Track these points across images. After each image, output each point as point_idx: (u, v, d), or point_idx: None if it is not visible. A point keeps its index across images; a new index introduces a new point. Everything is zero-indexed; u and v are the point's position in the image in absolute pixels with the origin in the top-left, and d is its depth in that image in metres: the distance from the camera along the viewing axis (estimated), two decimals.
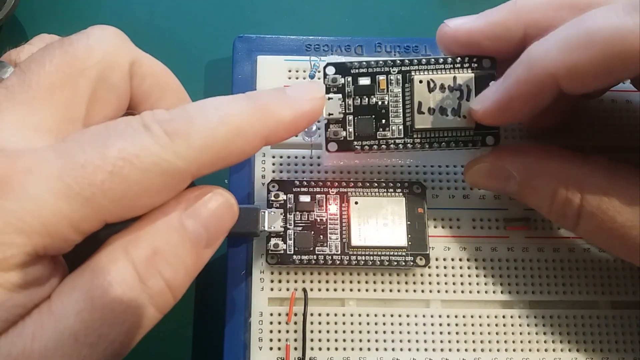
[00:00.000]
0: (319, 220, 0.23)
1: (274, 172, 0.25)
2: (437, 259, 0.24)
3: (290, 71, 0.26)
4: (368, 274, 0.24)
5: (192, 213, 0.17)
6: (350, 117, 0.22)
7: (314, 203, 0.24)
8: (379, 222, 0.23)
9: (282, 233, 0.23)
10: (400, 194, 0.24)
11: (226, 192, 0.19)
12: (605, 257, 0.24)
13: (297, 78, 0.26)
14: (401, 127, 0.22)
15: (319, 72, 0.26)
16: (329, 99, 0.22)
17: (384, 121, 0.22)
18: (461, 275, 0.24)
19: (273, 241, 0.23)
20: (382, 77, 0.22)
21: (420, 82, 0.22)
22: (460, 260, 0.24)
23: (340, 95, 0.22)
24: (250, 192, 0.25)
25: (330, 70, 0.22)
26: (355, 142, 0.22)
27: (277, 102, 0.18)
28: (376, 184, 0.24)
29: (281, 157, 0.25)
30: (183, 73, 0.29)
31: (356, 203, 0.24)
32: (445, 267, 0.24)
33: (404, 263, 0.23)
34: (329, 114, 0.22)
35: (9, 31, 0.29)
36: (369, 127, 0.22)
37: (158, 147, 0.16)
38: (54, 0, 0.31)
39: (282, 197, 0.24)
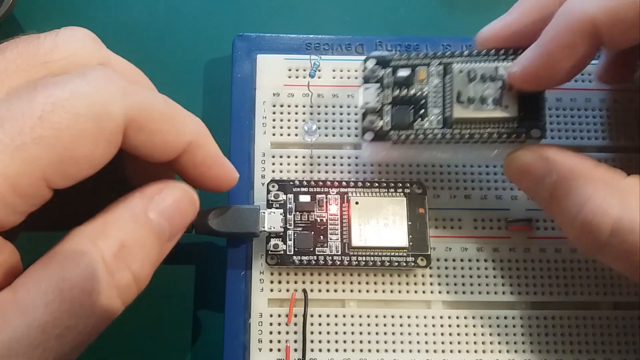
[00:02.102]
0: (319, 221, 0.23)
1: (273, 172, 0.25)
2: (438, 260, 0.24)
3: (290, 70, 0.26)
4: (369, 275, 0.23)
5: (155, 206, 0.18)
6: (388, 108, 0.22)
7: (314, 203, 0.23)
8: (380, 223, 0.23)
9: (282, 233, 0.23)
10: (401, 194, 0.24)
11: (187, 186, 0.19)
12: None
13: (297, 77, 0.26)
14: (440, 117, 0.21)
15: (319, 70, 0.25)
16: (366, 88, 0.22)
17: (422, 112, 0.22)
18: (462, 276, 0.24)
19: (273, 242, 0.23)
20: (422, 68, 0.22)
21: (460, 71, 0.21)
22: (461, 260, 0.24)
23: (377, 85, 0.22)
24: (250, 192, 0.24)
25: (371, 63, 0.22)
26: (391, 132, 0.22)
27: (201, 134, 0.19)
28: (377, 184, 0.24)
29: (281, 157, 0.25)
30: (182, 71, 0.29)
31: (357, 203, 0.23)
32: (446, 268, 0.24)
33: (404, 264, 0.23)
34: (366, 103, 0.22)
35: (7, 31, 0.29)
36: (406, 117, 0.22)
37: (91, 88, 0.16)
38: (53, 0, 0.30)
39: (282, 197, 0.23)
